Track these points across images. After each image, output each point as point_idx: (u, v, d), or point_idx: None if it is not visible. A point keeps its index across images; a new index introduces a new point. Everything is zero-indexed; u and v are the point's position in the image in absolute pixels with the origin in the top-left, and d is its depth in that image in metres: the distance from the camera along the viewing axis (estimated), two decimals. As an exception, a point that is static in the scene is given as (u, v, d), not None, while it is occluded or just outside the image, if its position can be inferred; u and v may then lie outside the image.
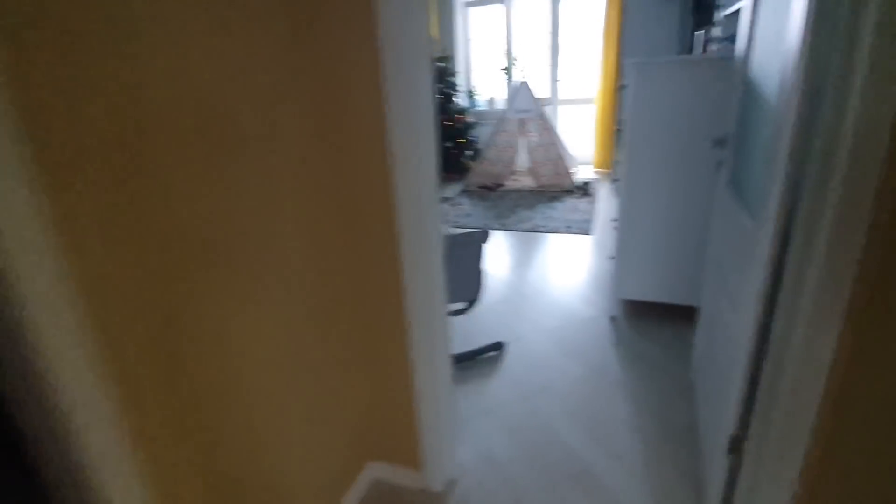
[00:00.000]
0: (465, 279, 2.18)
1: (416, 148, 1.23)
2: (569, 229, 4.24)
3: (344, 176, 1.34)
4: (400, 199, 1.29)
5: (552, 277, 3.30)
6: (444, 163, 6.35)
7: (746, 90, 1.54)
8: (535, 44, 6.63)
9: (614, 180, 5.34)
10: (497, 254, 3.82)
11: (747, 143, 1.48)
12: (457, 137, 6.30)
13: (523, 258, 3.70)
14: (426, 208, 1.30)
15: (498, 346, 2.44)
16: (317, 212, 1.31)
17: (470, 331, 2.64)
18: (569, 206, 4.94)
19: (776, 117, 1.09)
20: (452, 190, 5.96)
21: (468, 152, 6.48)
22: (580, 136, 6.75)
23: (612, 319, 2.66)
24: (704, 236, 2.37)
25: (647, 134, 2.33)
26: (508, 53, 6.71)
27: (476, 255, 2.15)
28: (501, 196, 5.53)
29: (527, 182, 5.87)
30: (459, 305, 2.31)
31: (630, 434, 1.85)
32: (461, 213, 4.91)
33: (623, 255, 2.58)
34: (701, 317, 1.98)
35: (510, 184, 5.90)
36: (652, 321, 2.61)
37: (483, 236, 2.09)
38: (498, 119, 5.97)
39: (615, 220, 2.59)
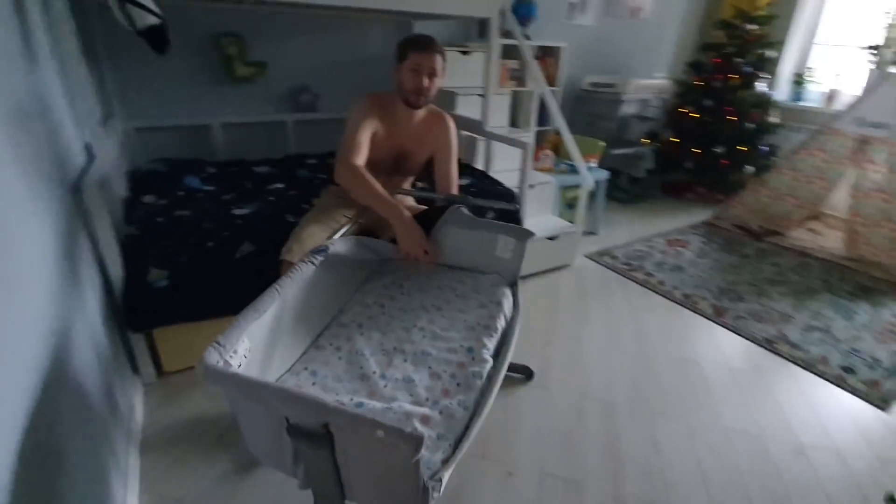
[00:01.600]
0: None
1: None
2: (847, 377, 2.13)
3: None
4: None
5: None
6: (705, 174, 4.33)
7: None
8: (961, 9, 3.71)
9: None
10: (664, 373, 2.13)
11: None
12: (738, 141, 4.16)
13: (705, 420, 1.94)
14: None
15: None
16: None
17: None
18: (885, 320, 2.61)
19: None
20: (689, 218, 4.02)
21: (749, 168, 4.26)
22: None
23: None
24: None
25: None
26: (892, 24, 3.96)
27: None
28: (763, 254, 3.38)
29: (829, 243, 3.50)
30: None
31: None
32: (669, 263, 3.13)
33: None
34: None
35: (795, 236, 3.62)
36: None
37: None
38: (817, 127, 3.62)
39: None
